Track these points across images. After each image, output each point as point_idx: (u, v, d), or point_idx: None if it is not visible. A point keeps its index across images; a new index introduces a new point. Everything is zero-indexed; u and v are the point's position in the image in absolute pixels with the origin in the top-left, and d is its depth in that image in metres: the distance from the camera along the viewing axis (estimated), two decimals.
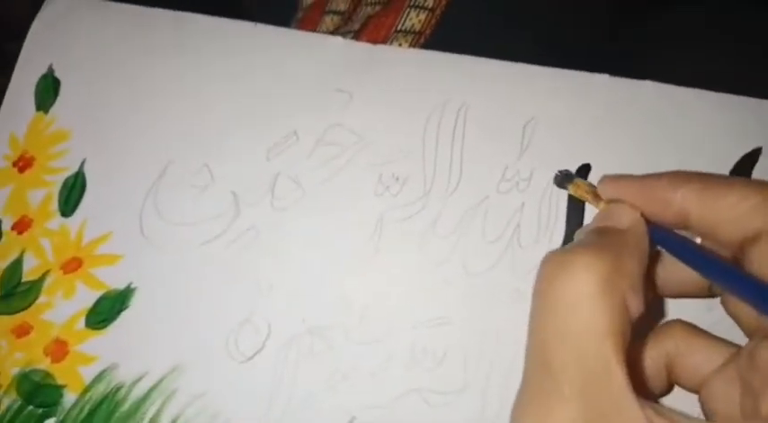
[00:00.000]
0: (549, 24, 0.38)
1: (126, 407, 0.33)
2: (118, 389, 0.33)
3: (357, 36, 0.37)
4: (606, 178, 0.27)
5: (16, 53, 0.38)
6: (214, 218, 0.34)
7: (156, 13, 0.37)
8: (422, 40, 0.37)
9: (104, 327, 0.34)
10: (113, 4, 0.38)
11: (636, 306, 0.22)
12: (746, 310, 0.24)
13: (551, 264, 0.22)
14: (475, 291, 0.32)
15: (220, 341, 0.33)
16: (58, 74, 0.37)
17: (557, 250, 0.23)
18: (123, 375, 0.33)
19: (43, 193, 0.36)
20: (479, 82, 0.35)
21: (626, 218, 0.25)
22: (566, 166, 0.33)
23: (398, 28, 0.37)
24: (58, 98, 0.37)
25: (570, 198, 0.33)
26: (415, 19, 0.37)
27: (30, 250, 0.35)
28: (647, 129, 0.33)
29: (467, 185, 0.33)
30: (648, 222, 0.25)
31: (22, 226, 0.35)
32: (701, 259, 0.23)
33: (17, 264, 0.35)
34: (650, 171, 0.32)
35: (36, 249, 0.35)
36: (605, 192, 0.26)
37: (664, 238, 0.25)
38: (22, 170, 0.36)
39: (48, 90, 0.37)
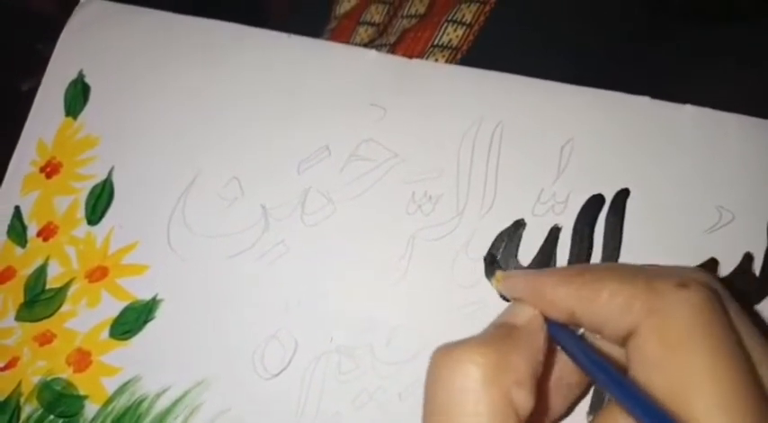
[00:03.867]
0: (586, 42, 0.37)
1: (149, 420, 0.32)
2: (141, 401, 0.33)
3: (393, 49, 0.37)
4: (504, 276, 0.28)
5: (47, 53, 0.37)
6: (243, 231, 0.34)
7: (187, 21, 0.36)
8: (459, 56, 0.37)
9: (129, 338, 0.33)
10: (145, 10, 0.37)
11: (523, 401, 0.22)
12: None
13: (440, 355, 0.23)
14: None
15: (246, 356, 0.32)
16: (88, 79, 0.36)
17: (448, 343, 0.24)
18: (147, 388, 0.33)
19: (70, 199, 0.35)
20: (516, 100, 0.34)
21: (522, 314, 0.25)
22: (603, 190, 0.33)
23: (435, 43, 0.37)
24: (88, 104, 0.36)
25: (609, 221, 0.32)
26: (452, 34, 0.37)
27: (55, 257, 0.35)
28: (687, 154, 0.33)
29: (501, 207, 0.33)
30: (548, 319, 0.25)
31: (47, 233, 0.35)
32: (588, 360, 0.23)
33: (41, 271, 0.35)
34: (689, 198, 0.31)
35: (61, 257, 0.35)
36: (504, 288, 0.28)
37: (558, 333, 0.25)
38: (49, 176, 0.36)
39: (77, 96, 0.36)
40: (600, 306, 0.23)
